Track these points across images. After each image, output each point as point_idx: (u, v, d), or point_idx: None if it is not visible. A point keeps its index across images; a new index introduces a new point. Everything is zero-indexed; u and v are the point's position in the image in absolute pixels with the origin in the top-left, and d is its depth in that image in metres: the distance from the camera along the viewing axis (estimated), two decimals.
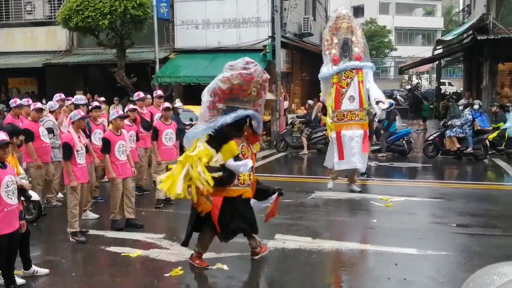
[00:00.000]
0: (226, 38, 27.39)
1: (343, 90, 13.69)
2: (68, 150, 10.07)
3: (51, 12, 30.46)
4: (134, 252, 9.39)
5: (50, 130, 12.61)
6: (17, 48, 30.88)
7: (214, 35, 27.57)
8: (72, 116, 10.43)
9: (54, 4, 30.55)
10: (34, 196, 10.29)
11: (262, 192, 9.07)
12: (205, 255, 8.86)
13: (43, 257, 9.32)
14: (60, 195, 13.30)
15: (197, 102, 26.37)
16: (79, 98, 14.13)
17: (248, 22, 27.40)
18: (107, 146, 10.89)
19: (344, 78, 13.69)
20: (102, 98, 16.72)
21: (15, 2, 31.12)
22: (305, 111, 24.47)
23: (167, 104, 13.26)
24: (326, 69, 13.91)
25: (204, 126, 8.24)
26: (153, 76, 26.37)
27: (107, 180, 11.94)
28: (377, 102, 13.70)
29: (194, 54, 27.88)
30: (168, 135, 12.84)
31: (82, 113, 10.69)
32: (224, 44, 27.35)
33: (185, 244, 8.89)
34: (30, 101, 13.30)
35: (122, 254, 9.38)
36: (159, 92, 15.36)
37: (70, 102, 13.98)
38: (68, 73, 29.59)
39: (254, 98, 8.44)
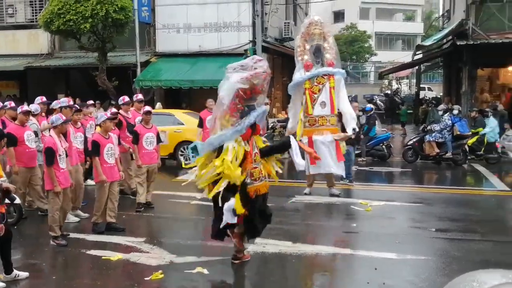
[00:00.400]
0: (207, 42, 27.49)
1: (315, 95, 13.74)
2: (50, 155, 9.89)
3: (33, 15, 30.38)
4: (115, 256, 9.39)
5: (35, 134, 12.35)
6: None
7: (195, 39, 27.65)
8: (55, 120, 10.21)
9: (35, 7, 30.46)
10: (16, 199, 10.21)
11: (276, 149, 9.41)
12: (186, 259, 8.94)
13: (23, 260, 9.30)
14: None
15: (178, 105, 26.20)
16: (62, 101, 14.01)
17: (229, 26, 27.53)
18: (96, 148, 10.83)
19: (316, 84, 13.76)
20: (91, 102, 16.64)
21: None
22: (286, 116, 24.45)
23: (148, 108, 13.22)
24: (299, 75, 13.96)
25: (231, 131, 8.20)
26: (134, 79, 26.36)
27: (93, 183, 11.86)
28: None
29: (175, 58, 27.94)
30: (149, 139, 12.80)
31: (64, 117, 10.58)
32: (205, 48, 27.46)
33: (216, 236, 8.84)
34: (13, 104, 13.13)
35: (103, 257, 9.36)
36: (140, 96, 15.29)
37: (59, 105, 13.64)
38: (50, 76, 29.50)
39: (263, 93, 8.55)
